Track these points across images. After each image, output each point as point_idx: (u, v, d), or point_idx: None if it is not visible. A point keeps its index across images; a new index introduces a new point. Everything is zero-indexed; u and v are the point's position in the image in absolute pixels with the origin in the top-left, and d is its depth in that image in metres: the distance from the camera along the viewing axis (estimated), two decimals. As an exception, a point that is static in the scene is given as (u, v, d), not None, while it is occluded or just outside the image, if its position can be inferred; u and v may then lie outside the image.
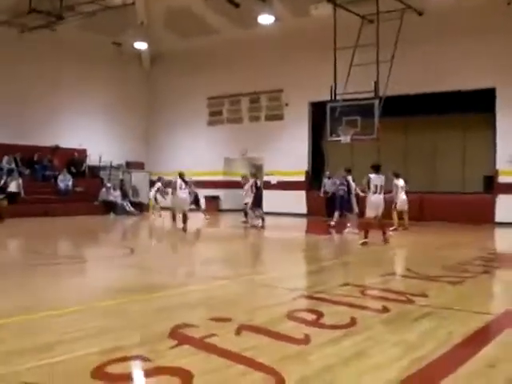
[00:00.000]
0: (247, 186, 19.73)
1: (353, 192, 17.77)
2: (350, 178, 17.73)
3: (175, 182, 17.22)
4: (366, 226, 13.95)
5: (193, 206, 19.11)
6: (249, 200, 19.56)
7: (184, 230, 16.65)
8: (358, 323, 5.82)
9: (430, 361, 4.67)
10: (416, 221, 18.54)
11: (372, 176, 13.77)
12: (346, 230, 17.37)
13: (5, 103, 25.09)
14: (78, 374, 4.26)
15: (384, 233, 13.93)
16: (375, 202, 13.74)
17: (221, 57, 28.32)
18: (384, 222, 14.27)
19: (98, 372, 4.26)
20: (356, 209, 17.85)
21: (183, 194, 16.82)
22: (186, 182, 17.00)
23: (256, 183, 19.47)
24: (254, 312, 6.42)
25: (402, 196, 17.60)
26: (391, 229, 16.31)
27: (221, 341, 5.11)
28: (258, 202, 19.37)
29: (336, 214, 18.22)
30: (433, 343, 5.17)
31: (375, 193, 13.74)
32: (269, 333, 5.41)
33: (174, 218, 17.99)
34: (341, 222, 18.24)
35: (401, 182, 17.88)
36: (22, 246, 14.84)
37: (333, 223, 18.13)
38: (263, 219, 19.06)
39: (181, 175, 17.23)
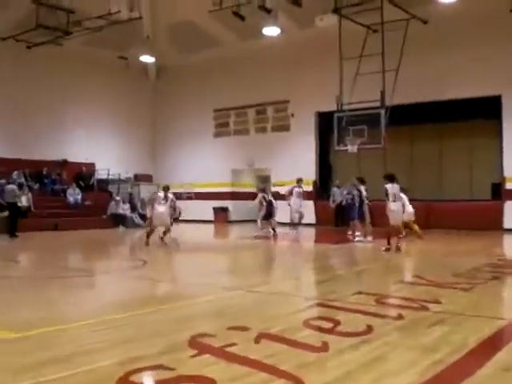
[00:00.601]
0: (256, 201, 19.90)
1: (365, 201, 17.80)
2: (362, 187, 17.75)
3: (155, 196, 17.11)
4: (388, 234, 14.32)
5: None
6: (261, 213, 19.78)
7: (163, 241, 16.49)
8: (374, 330, 5.90)
9: (446, 365, 4.74)
10: (423, 229, 18.57)
11: (388, 186, 14.06)
12: (356, 239, 17.44)
13: (12, 118, 25.38)
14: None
15: (398, 241, 14.14)
16: (396, 210, 14.09)
17: (226, 69, 28.50)
18: (399, 230, 14.39)
19: (123, 381, 4.34)
20: (368, 218, 17.85)
21: (161, 208, 16.57)
22: (166, 197, 16.72)
23: (264, 198, 19.61)
24: (270, 321, 6.50)
25: (409, 208, 17.57)
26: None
27: (240, 349, 5.19)
28: (269, 214, 19.53)
29: (351, 223, 18.12)
30: (448, 348, 5.24)
31: (394, 201, 14.04)
32: (287, 341, 5.49)
33: (148, 233, 16.77)
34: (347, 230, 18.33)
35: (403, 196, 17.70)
36: (35, 260, 14.94)
37: (353, 234, 17.96)
38: (274, 230, 19.20)
39: (164, 189, 17.08)
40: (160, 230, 16.72)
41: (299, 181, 20.56)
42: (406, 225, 17.51)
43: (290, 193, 20.37)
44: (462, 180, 23.59)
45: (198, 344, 5.41)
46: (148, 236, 16.39)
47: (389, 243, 14.21)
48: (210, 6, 23.57)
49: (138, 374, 4.54)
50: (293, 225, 20.62)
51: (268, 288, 9.06)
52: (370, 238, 17.22)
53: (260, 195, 19.92)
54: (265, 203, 19.67)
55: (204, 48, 28.09)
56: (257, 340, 5.52)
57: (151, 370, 4.68)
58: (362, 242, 17.07)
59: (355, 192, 17.72)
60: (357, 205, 17.61)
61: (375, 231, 17.24)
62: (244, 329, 5.95)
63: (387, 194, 14.04)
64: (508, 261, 13.66)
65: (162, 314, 7.02)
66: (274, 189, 26.60)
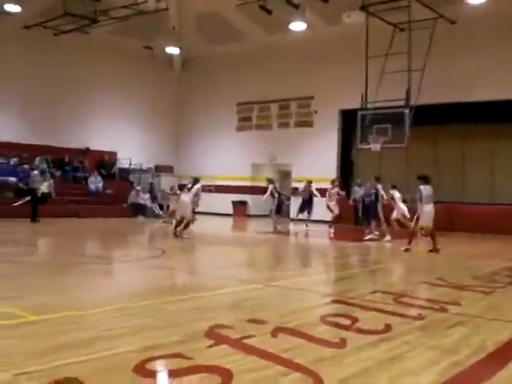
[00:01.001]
0: (267, 193, 19.93)
1: (380, 200, 17.69)
2: (379, 186, 17.65)
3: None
4: (412, 234, 14.25)
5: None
6: (273, 207, 19.81)
7: (175, 234, 16.33)
8: (393, 329, 5.87)
9: (465, 367, 4.70)
10: (445, 231, 18.44)
11: (422, 187, 13.82)
12: (367, 237, 17.37)
13: (37, 105, 25.54)
14: (120, 370, 4.35)
15: (435, 242, 14.02)
16: (428, 212, 13.82)
17: (251, 62, 28.49)
18: (435, 231, 14.25)
19: (139, 368, 4.34)
20: (382, 217, 17.71)
21: (185, 198, 16.53)
22: (189, 188, 16.67)
23: (275, 188, 19.66)
24: (288, 315, 6.48)
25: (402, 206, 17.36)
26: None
27: (257, 342, 5.18)
28: (279, 208, 19.61)
29: (372, 224, 17.99)
30: (467, 350, 5.20)
31: (427, 203, 13.81)
32: (304, 335, 5.47)
33: (176, 224, 16.79)
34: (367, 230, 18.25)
35: (397, 194, 17.53)
36: (55, 246, 15.03)
37: (370, 236, 17.77)
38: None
39: (194, 180, 17.00)
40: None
41: (334, 181, 20.27)
42: (400, 223, 17.44)
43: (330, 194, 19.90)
44: (484, 183, 23.38)
45: (215, 335, 5.40)
46: (176, 227, 16.37)
47: (410, 243, 14.13)
48: (237, -2, 23.58)
49: (155, 361, 4.55)
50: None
51: (285, 283, 9.03)
52: (388, 238, 17.10)
53: (271, 186, 19.95)
54: (276, 195, 19.72)
55: (229, 41, 28.08)
56: (274, 333, 5.51)
57: (168, 358, 4.68)
58: (374, 240, 17.00)
59: (373, 191, 17.64)
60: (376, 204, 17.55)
61: (390, 230, 17.19)
62: (261, 322, 5.94)
63: (420, 196, 13.75)
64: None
65: (180, 304, 7.02)
66: (294, 185, 26.68)
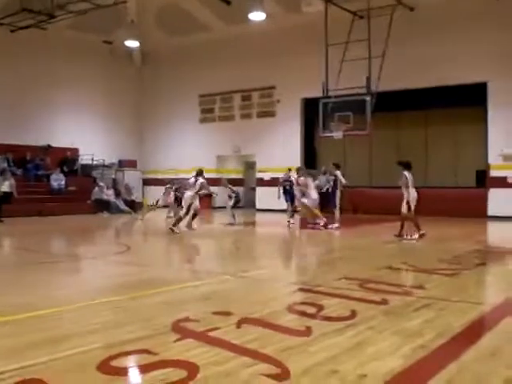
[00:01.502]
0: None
1: (338, 187, 17.72)
2: (338, 172, 17.63)
3: (184, 182, 17.55)
4: (403, 220, 14.17)
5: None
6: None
7: (189, 227, 16.58)
8: (358, 315, 5.89)
9: (430, 349, 4.74)
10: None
11: (406, 173, 13.87)
12: (335, 225, 17.37)
13: (-5, 103, 25.09)
14: (85, 369, 4.29)
15: (418, 227, 14.02)
16: (415, 197, 13.93)
17: (212, 54, 28.34)
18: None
19: (104, 366, 4.30)
20: (338, 204, 17.71)
21: (189, 192, 16.58)
22: (196, 181, 16.72)
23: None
24: (254, 306, 6.47)
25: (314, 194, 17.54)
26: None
27: (223, 334, 5.17)
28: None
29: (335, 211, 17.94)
30: (433, 333, 5.24)
31: (413, 188, 13.94)
32: (270, 325, 5.47)
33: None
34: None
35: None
36: (19, 245, 14.80)
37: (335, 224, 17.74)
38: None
39: (197, 173, 16.96)
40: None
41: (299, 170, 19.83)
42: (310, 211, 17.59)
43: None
44: (448, 167, 23.67)
45: (181, 329, 5.38)
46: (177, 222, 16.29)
47: (402, 229, 14.12)
48: (196, -10, 23.43)
49: (120, 358, 4.50)
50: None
51: (253, 274, 9.01)
52: (336, 224, 17.21)
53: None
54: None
55: (190, 33, 27.88)
56: (239, 325, 5.50)
57: (134, 354, 4.64)
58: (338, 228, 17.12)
59: (332, 178, 17.69)
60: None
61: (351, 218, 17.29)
62: (227, 314, 5.92)
63: (407, 182, 13.78)
64: (492, 247, 13.73)
65: (147, 299, 6.97)
66: (259, 175, 26.67)
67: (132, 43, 28.52)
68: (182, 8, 26.38)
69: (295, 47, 25.35)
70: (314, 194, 17.45)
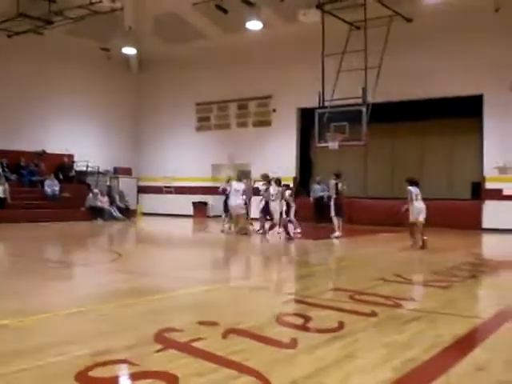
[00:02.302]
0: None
1: (333, 196, 17.75)
2: (332, 181, 17.62)
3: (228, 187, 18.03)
4: (412, 230, 14.89)
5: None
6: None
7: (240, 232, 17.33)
8: (345, 327, 5.79)
9: (419, 363, 4.64)
10: (403, 227, 18.51)
11: (411, 188, 14.80)
12: (336, 234, 17.31)
13: (-9, 107, 24.99)
14: (62, 378, 4.19)
15: (423, 237, 14.55)
16: (420, 208, 14.81)
17: (209, 62, 28.31)
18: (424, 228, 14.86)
19: (81, 376, 4.19)
20: (333, 213, 17.72)
21: (236, 199, 17.04)
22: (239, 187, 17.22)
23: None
24: (241, 316, 6.36)
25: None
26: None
27: (207, 344, 5.05)
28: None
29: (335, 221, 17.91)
30: (421, 346, 5.14)
31: (417, 200, 14.85)
32: (256, 337, 5.36)
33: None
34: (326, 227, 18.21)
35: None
36: (10, 251, 14.71)
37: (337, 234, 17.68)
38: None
39: (238, 178, 17.75)
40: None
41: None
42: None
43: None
44: (443, 178, 23.61)
45: (164, 339, 5.27)
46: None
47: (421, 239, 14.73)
48: (194, -3, 23.40)
49: (99, 368, 4.38)
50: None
51: (245, 283, 8.94)
52: (336, 233, 17.25)
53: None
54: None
55: (187, 41, 27.85)
56: (225, 335, 5.38)
57: (113, 364, 4.53)
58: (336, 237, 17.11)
59: (326, 186, 17.73)
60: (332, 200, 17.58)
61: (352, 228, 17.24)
62: (213, 324, 5.80)
63: (411, 195, 14.70)
64: (486, 260, 13.65)
65: (134, 308, 6.87)
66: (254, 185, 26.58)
67: (129, 50, 28.51)
68: (179, 16, 26.34)
69: (292, 57, 25.35)
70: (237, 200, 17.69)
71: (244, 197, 18.08)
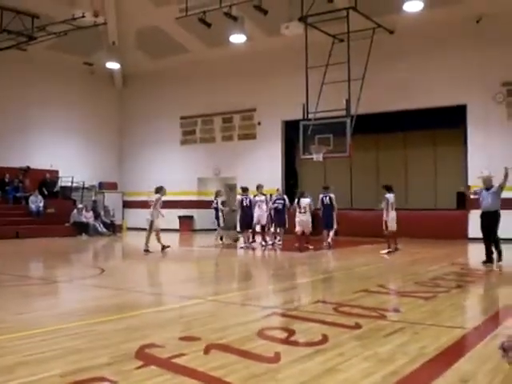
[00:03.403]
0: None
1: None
2: (321, 196, 17.91)
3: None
4: (390, 238, 15.80)
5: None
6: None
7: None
8: (329, 340, 5.73)
9: (402, 376, 4.59)
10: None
11: (388, 196, 15.49)
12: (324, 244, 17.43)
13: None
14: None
15: (396, 243, 15.77)
16: (395, 218, 15.59)
17: (193, 76, 28.30)
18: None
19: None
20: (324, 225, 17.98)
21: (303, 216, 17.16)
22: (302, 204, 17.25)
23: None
24: (224, 331, 6.28)
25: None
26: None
27: (188, 360, 4.98)
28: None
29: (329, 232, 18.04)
30: (405, 358, 5.10)
31: (393, 209, 15.63)
32: (238, 351, 5.30)
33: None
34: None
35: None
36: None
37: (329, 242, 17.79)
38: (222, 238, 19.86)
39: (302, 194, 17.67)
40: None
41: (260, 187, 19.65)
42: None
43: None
44: (428, 189, 23.68)
45: (144, 355, 5.19)
46: None
47: (389, 247, 15.71)
48: (177, 12, 23.35)
49: (77, 387, 4.31)
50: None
51: (226, 297, 8.85)
52: (325, 243, 17.58)
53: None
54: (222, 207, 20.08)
55: (171, 55, 27.88)
56: (206, 351, 5.31)
57: (91, 382, 4.44)
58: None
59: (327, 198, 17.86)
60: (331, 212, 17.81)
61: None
62: (195, 339, 5.75)
63: (387, 204, 15.38)
64: (471, 270, 13.63)
65: (114, 324, 6.77)
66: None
67: (113, 65, 28.45)
68: (162, 30, 26.36)
69: (276, 70, 25.40)
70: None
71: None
